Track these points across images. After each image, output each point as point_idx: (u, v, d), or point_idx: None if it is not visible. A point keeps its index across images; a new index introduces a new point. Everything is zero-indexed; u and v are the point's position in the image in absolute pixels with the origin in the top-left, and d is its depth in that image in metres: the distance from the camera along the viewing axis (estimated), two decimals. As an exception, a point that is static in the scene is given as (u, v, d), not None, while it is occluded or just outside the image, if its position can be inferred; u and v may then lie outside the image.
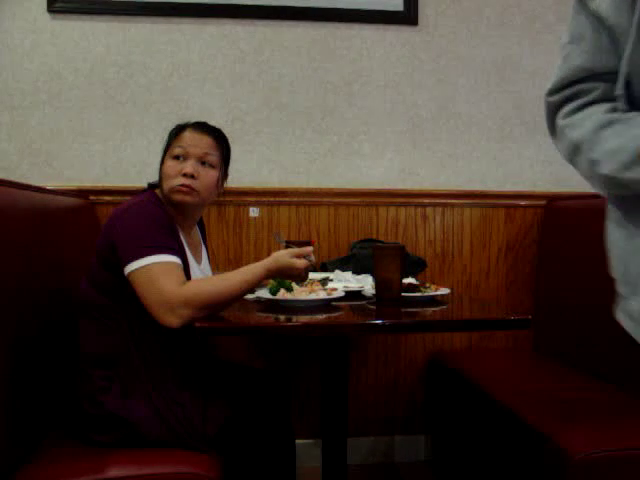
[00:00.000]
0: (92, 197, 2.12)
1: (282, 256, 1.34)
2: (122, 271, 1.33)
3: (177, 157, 1.47)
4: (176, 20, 2.21)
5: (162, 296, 1.26)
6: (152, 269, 1.29)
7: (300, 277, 1.36)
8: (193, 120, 1.56)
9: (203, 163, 1.48)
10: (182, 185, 1.44)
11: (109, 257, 1.38)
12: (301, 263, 1.33)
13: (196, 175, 1.45)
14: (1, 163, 2.15)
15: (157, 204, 1.44)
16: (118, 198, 2.11)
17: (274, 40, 2.26)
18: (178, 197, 1.45)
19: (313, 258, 1.37)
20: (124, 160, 2.20)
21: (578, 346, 1.98)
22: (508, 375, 1.96)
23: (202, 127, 1.52)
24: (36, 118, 2.17)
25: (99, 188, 2.17)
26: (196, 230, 1.65)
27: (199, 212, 1.61)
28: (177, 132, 1.51)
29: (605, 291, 1.80)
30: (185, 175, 1.44)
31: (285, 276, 1.35)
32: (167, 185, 1.46)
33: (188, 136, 1.49)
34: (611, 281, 0.91)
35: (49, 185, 2.06)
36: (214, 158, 1.50)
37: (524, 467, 1.52)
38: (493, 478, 1.76)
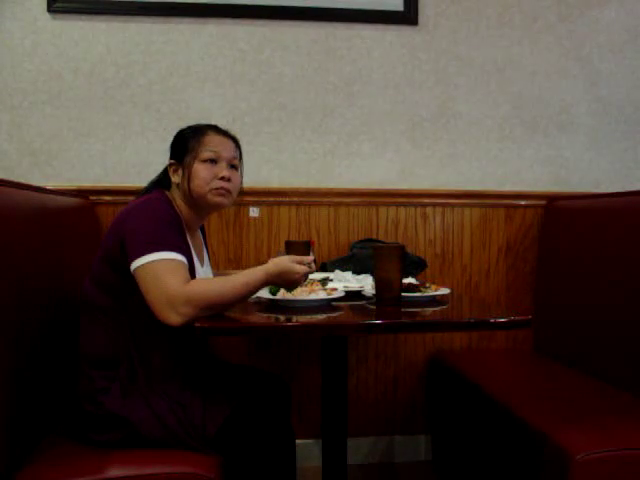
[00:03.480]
0: (92, 197, 2.12)
1: (282, 260, 1.34)
2: (128, 268, 1.33)
3: (209, 160, 1.49)
4: (176, 20, 2.21)
5: (166, 293, 1.26)
6: (158, 265, 1.29)
7: (299, 282, 1.36)
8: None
9: (232, 166, 1.53)
10: (221, 188, 1.48)
11: (116, 255, 1.38)
12: (301, 268, 1.33)
13: (231, 178, 1.50)
14: (1, 163, 2.15)
15: (166, 203, 1.45)
16: (118, 198, 2.11)
17: (274, 40, 2.26)
18: (217, 199, 1.49)
19: (313, 266, 1.38)
20: (124, 160, 2.20)
21: (578, 346, 1.99)
22: (508, 375, 1.96)
23: (222, 130, 1.56)
24: (36, 118, 2.17)
25: (99, 188, 2.17)
26: (199, 233, 1.65)
27: (209, 214, 1.62)
28: (200, 135, 1.51)
29: (605, 291, 1.81)
30: (222, 178, 1.48)
31: (284, 280, 1.34)
32: (203, 188, 1.48)
33: (215, 140, 1.51)
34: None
35: (49, 185, 2.06)
36: (237, 161, 1.56)
37: (524, 467, 1.52)
38: (493, 478, 1.76)
